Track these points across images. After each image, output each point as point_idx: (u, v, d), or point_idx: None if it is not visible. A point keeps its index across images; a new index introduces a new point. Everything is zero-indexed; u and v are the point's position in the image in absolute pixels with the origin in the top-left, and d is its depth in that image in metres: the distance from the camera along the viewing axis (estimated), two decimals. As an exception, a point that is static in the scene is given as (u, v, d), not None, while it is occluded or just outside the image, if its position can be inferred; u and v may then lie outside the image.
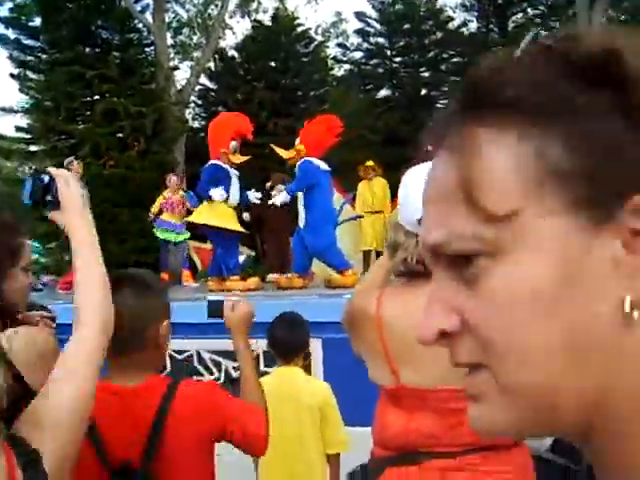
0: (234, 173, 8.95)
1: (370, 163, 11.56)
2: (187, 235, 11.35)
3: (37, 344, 1.98)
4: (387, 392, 1.93)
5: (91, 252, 1.69)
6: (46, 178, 1.75)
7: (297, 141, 8.93)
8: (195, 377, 6.48)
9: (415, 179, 1.97)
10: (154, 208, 11.32)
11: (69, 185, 1.76)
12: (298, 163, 8.68)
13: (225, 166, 8.84)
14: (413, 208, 1.89)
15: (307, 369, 5.55)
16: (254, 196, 9.43)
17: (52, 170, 1.77)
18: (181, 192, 11.43)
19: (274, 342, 3.46)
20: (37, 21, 18.08)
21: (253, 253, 16.48)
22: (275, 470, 3.35)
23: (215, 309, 2.30)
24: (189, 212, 10.70)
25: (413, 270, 1.90)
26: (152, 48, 18.10)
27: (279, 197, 8.90)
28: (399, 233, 1.94)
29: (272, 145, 9.54)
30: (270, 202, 9.31)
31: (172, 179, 11.39)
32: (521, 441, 1.95)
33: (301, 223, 8.79)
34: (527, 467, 1.96)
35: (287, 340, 3.45)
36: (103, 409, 1.89)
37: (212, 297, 2.36)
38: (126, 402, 1.94)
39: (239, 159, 9.07)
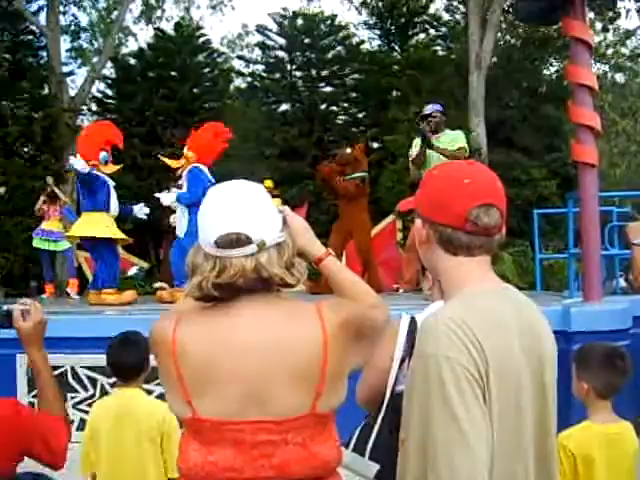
0: (111, 184, 8.67)
1: (268, 184, 11.15)
2: (66, 244, 10.98)
3: None
4: (185, 423, 1.85)
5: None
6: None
7: (185, 149, 8.70)
8: (70, 394, 6.28)
9: (214, 199, 1.92)
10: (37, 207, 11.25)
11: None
12: (186, 170, 8.43)
13: (102, 176, 8.58)
14: (210, 230, 1.84)
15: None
16: (142, 212, 9.17)
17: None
18: (62, 200, 11.36)
19: (111, 362, 3.35)
20: None
21: (146, 265, 16.20)
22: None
23: (4, 319, 2.19)
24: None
25: (210, 295, 1.84)
26: (45, 52, 17.60)
27: (167, 197, 8.55)
28: (198, 255, 1.87)
29: (160, 156, 9.27)
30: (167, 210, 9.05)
31: (51, 188, 11.28)
32: (330, 474, 1.91)
33: (180, 233, 8.50)
34: None
35: (124, 360, 3.35)
36: None
37: (4, 307, 2.25)
38: None
39: (110, 169, 8.75)
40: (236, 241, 1.80)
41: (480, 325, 1.58)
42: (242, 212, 1.85)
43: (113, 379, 6.36)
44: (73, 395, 6.41)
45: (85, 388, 6.50)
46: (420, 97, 15.60)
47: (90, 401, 6.34)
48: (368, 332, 1.95)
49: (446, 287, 1.78)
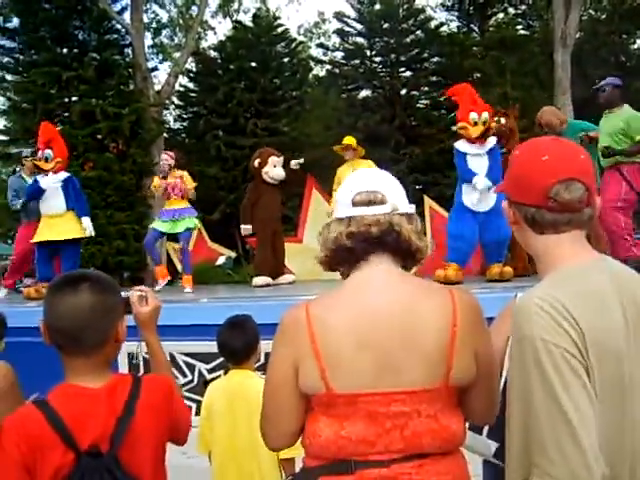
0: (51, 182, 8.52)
1: (349, 140, 10.07)
2: (191, 223, 9.08)
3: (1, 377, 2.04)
4: (316, 399, 1.87)
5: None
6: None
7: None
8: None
9: (353, 175, 2.03)
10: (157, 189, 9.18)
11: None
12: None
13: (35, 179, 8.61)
14: (348, 191, 1.95)
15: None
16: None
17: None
18: (179, 172, 9.07)
19: (221, 346, 3.43)
20: (14, 22, 18.03)
21: (233, 254, 16.44)
22: (228, 473, 3.33)
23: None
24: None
25: (343, 247, 1.92)
26: (130, 49, 18.03)
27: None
28: (331, 226, 1.96)
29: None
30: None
31: (166, 159, 9.18)
32: (456, 449, 1.93)
33: None
34: (463, 475, 1.92)
35: (233, 344, 3.42)
36: (70, 410, 1.91)
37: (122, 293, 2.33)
38: (94, 403, 1.94)
39: (46, 166, 8.52)
40: (372, 200, 1.89)
41: (575, 302, 1.56)
42: (379, 177, 1.97)
43: (211, 365, 6.55)
44: (173, 381, 6.57)
45: (184, 374, 6.66)
46: (504, 78, 15.34)
47: (189, 387, 6.50)
48: (481, 315, 1.94)
49: (541, 266, 1.78)
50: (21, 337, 4.77)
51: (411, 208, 1.95)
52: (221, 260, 15.10)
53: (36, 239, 8.55)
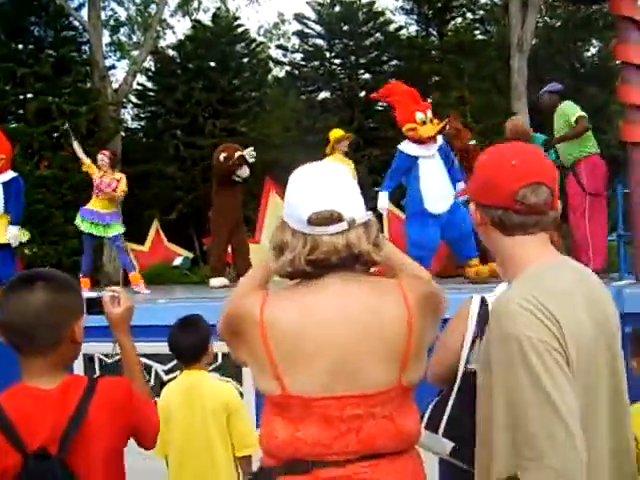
0: None
1: (336, 134, 9.42)
2: (120, 227, 9.07)
3: None
4: (271, 400, 1.88)
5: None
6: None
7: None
8: (125, 381, 6.39)
9: (304, 178, 1.96)
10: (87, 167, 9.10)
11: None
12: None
13: None
14: (301, 208, 1.89)
15: (238, 375, 5.53)
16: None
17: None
18: (117, 175, 8.98)
19: (173, 346, 3.43)
20: (-34, 17, 17.63)
21: (191, 255, 16.36)
22: (184, 474, 3.33)
23: (95, 305, 2.24)
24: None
25: (301, 271, 1.89)
26: (88, 46, 17.84)
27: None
28: (286, 233, 1.92)
29: None
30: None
31: (102, 159, 8.97)
32: (412, 447, 1.96)
33: None
34: (418, 474, 1.95)
35: (184, 345, 3.42)
36: (20, 411, 1.90)
37: (88, 294, 2.28)
38: (46, 404, 1.93)
39: None
40: (329, 218, 1.85)
41: (549, 298, 1.62)
42: (334, 190, 1.90)
43: (168, 366, 6.51)
44: (128, 382, 6.51)
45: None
46: (461, 82, 15.53)
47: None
48: (438, 307, 2.00)
49: (509, 267, 1.83)
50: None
51: (368, 215, 1.93)
52: (178, 261, 15.01)
53: None
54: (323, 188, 1.90)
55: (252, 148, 8.84)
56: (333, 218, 1.86)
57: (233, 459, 3.38)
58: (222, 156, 8.73)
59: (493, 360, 1.65)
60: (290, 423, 1.85)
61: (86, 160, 9.15)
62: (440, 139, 7.36)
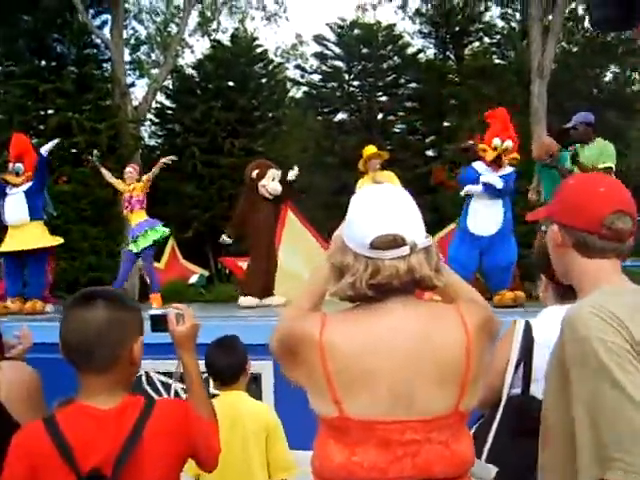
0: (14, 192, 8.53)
1: (370, 150, 9.40)
2: (156, 234, 8.87)
3: (26, 381, 2.05)
4: (328, 423, 1.87)
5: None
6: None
7: (509, 144, 7.80)
8: (144, 398, 6.37)
9: (367, 200, 1.96)
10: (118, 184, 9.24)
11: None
12: (506, 172, 7.76)
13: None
14: (364, 231, 1.88)
15: (257, 392, 5.52)
16: None
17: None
18: (138, 185, 9.04)
19: (210, 367, 3.40)
20: (-10, 33, 17.85)
21: (206, 273, 16.35)
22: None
23: (160, 323, 2.23)
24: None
25: (363, 294, 1.88)
26: (109, 64, 17.99)
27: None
28: (347, 255, 1.90)
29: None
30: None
31: (130, 172, 9.21)
32: (465, 474, 1.94)
33: None
34: None
35: (223, 366, 3.40)
36: (76, 430, 1.88)
37: (154, 311, 2.29)
38: (102, 425, 1.91)
39: (16, 180, 8.58)
40: (392, 242, 1.84)
41: (620, 311, 1.66)
42: (397, 214, 1.89)
43: (174, 379, 6.49)
44: (148, 400, 6.49)
45: (159, 393, 6.59)
46: (482, 105, 15.52)
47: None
48: (494, 333, 2.03)
49: (581, 286, 1.89)
50: None
51: (429, 240, 1.92)
52: (194, 279, 15.02)
53: (1, 250, 8.45)
54: (386, 211, 1.90)
55: (296, 172, 8.83)
56: (396, 242, 1.85)
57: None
58: (254, 173, 8.71)
59: (569, 363, 1.68)
60: (346, 447, 1.83)
61: (119, 185, 9.18)
62: (509, 169, 7.53)
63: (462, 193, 7.72)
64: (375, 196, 1.96)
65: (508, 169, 7.63)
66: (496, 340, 2.09)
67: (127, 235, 9.00)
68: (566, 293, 2.58)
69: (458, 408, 1.85)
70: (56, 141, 9.25)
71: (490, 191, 7.49)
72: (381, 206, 1.91)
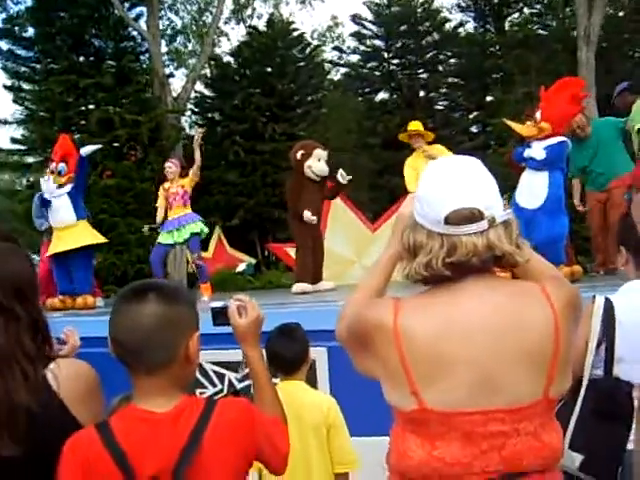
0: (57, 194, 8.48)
1: (414, 126, 9.14)
2: (196, 227, 8.69)
3: (84, 377, 1.88)
4: (406, 416, 1.71)
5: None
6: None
7: (537, 115, 7.42)
8: (198, 390, 6.31)
9: (439, 174, 1.78)
10: (161, 202, 8.95)
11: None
12: (550, 142, 7.33)
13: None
14: (438, 205, 1.71)
15: (312, 378, 5.38)
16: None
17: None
18: (181, 181, 8.81)
19: (272, 356, 3.25)
20: (30, 32, 18.05)
21: (254, 260, 16.35)
22: (281, 491, 3.16)
23: (221, 316, 2.08)
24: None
25: (439, 275, 1.70)
26: (147, 56, 18.01)
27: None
28: (419, 233, 1.74)
29: (505, 120, 7.98)
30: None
31: (170, 167, 8.92)
32: (555, 465, 1.78)
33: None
34: None
35: (285, 354, 3.27)
36: (131, 436, 1.75)
37: (215, 303, 2.13)
38: (158, 430, 1.76)
39: (59, 181, 8.48)
40: (469, 217, 1.68)
41: None
42: (473, 187, 1.72)
43: (241, 374, 6.40)
44: (201, 391, 6.42)
45: (213, 383, 6.51)
46: (527, 76, 15.15)
47: (219, 396, 6.34)
48: (580, 311, 1.84)
49: None
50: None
51: (508, 213, 1.75)
52: (242, 267, 15.04)
53: (49, 253, 8.52)
54: (461, 184, 1.72)
55: (346, 176, 8.50)
56: (473, 217, 1.68)
57: (331, 476, 3.20)
58: (299, 154, 8.45)
59: None
60: (426, 440, 1.67)
61: (161, 202, 9.07)
62: (555, 139, 7.24)
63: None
64: (447, 169, 1.79)
65: (553, 139, 7.32)
66: (580, 319, 1.88)
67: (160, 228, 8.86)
68: None
69: (548, 394, 1.68)
70: (99, 146, 9.23)
71: (533, 164, 7.23)
72: (454, 179, 1.74)
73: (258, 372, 2.07)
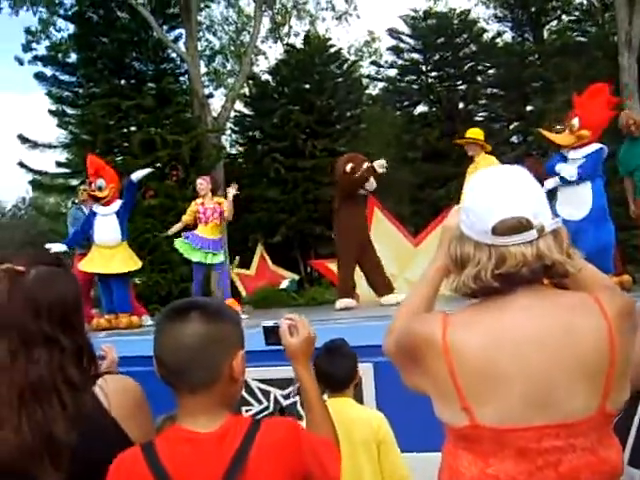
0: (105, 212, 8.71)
1: (472, 133, 9.04)
2: (222, 256, 9.18)
3: (131, 392, 1.89)
4: (457, 432, 1.67)
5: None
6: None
7: (575, 122, 7.35)
8: (244, 407, 6.30)
9: (485, 183, 1.75)
10: (187, 217, 9.33)
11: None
12: (588, 151, 7.32)
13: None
14: (485, 216, 1.68)
15: (358, 394, 5.34)
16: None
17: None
18: (216, 198, 9.25)
19: (320, 374, 3.23)
20: (73, 57, 18.43)
21: (296, 277, 16.35)
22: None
23: (272, 335, 2.07)
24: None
25: (489, 287, 1.67)
26: (186, 77, 18.22)
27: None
28: (466, 245, 1.71)
29: (541, 130, 8.07)
30: None
31: (201, 183, 9.24)
32: None
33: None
34: None
35: (334, 372, 3.24)
36: (174, 457, 1.73)
37: (266, 322, 2.12)
38: (202, 450, 1.74)
39: (102, 194, 8.74)
40: (517, 227, 1.64)
41: None
42: (520, 195, 1.69)
43: (287, 391, 6.37)
44: (247, 408, 6.41)
45: (259, 401, 6.49)
46: (566, 84, 14.96)
47: (265, 414, 6.33)
48: (636, 321, 1.76)
49: None
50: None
51: (557, 222, 1.71)
52: (285, 283, 15.06)
53: (83, 267, 8.64)
54: (508, 193, 1.69)
55: (383, 162, 8.44)
56: (522, 226, 1.64)
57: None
58: (349, 167, 8.30)
59: None
60: (479, 458, 1.63)
61: (187, 218, 9.30)
62: (592, 147, 7.15)
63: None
64: (493, 178, 1.76)
65: (591, 147, 7.19)
66: (637, 329, 1.81)
67: (195, 244, 9.02)
68: None
69: (605, 408, 1.63)
70: (149, 170, 9.42)
71: (565, 182, 7.11)
72: (501, 188, 1.71)
73: (310, 392, 2.03)
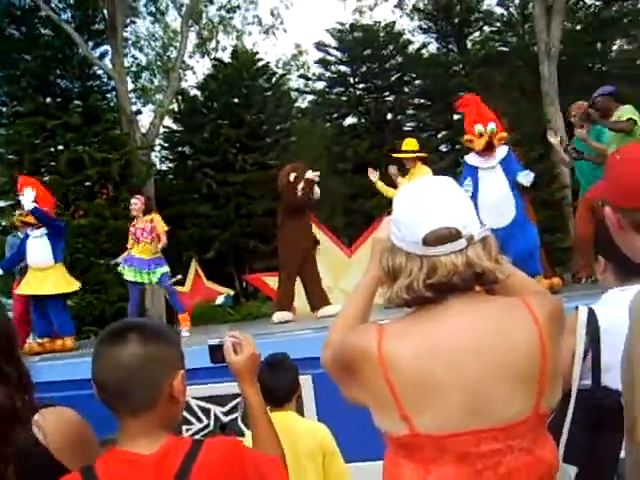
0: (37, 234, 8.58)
1: (410, 145, 9.12)
2: (165, 269, 8.96)
3: (70, 425, 1.86)
4: (397, 441, 1.69)
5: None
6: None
7: (492, 127, 7.28)
8: (184, 426, 6.24)
9: (413, 195, 1.79)
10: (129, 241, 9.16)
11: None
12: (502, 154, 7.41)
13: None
14: (415, 227, 1.71)
15: (299, 407, 5.35)
16: None
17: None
18: (149, 216, 9.03)
19: (264, 389, 3.23)
20: (-6, 75, 17.97)
21: (232, 292, 16.26)
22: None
23: (218, 353, 2.07)
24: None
25: (421, 297, 1.70)
26: (114, 94, 18.02)
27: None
28: (398, 256, 1.74)
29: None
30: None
31: (135, 203, 9.13)
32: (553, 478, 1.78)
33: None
34: None
35: (277, 386, 3.26)
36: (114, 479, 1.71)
37: (212, 340, 2.11)
38: (143, 473, 1.71)
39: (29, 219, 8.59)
40: (446, 237, 1.68)
41: None
42: (448, 206, 1.72)
43: (227, 408, 6.33)
44: (188, 427, 6.36)
45: (199, 419, 6.44)
46: (491, 93, 15.32)
47: (205, 432, 6.28)
48: (563, 323, 1.84)
49: None
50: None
51: (485, 230, 1.75)
52: (220, 299, 14.94)
53: (19, 291, 8.50)
54: (436, 204, 1.72)
55: (316, 172, 8.39)
56: (451, 236, 1.68)
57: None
58: (292, 176, 8.28)
59: None
60: (420, 465, 1.66)
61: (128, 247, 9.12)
62: (503, 150, 7.26)
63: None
64: (421, 190, 1.79)
65: (503, 150, 7.34)
66: (563, 331, 1.88)
67: (130, 265, 8.87)
68: (627, 274, 2.42)
69: (539, 408, 1.68)
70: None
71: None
72: (429, 199, 1.74)
73: (254, 408, 2.04)
